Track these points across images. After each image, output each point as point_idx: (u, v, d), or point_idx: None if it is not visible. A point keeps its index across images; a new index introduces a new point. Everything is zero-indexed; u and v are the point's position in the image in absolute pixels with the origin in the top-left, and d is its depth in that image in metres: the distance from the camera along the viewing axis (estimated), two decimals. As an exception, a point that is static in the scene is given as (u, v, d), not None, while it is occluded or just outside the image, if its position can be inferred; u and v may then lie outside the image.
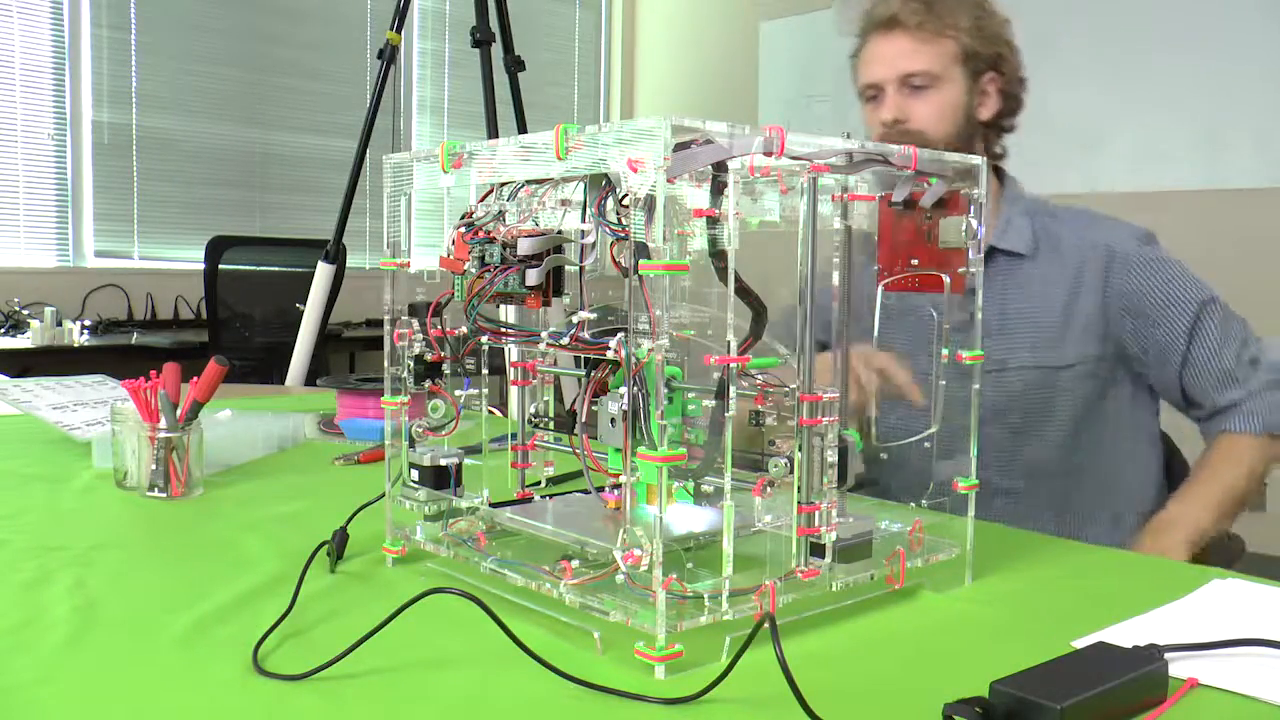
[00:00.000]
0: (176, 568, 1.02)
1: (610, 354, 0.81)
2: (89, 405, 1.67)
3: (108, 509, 1.24)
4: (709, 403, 0.85)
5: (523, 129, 3.30)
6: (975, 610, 0.90)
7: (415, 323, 0.98)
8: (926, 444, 0.98)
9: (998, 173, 1.58)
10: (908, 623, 0.87)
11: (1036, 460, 1.50)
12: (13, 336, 3.83)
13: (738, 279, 0.79)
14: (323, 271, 3.28)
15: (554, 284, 0.91)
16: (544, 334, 0.88)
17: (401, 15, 3.22)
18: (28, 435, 1.64)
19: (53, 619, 0.84)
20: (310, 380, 3.19)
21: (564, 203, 0.91)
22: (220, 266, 4.04)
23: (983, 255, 0.95)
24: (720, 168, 0.78)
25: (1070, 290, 1.49)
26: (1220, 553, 1.46)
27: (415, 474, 1.00)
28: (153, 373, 1.29)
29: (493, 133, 3.08)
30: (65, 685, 0.72)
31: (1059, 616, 0.89)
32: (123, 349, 3.80)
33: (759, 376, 0.87)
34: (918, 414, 1.01)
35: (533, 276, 0.90)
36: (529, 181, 0.91)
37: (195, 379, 1.32)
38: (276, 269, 4.21)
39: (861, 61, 1.55)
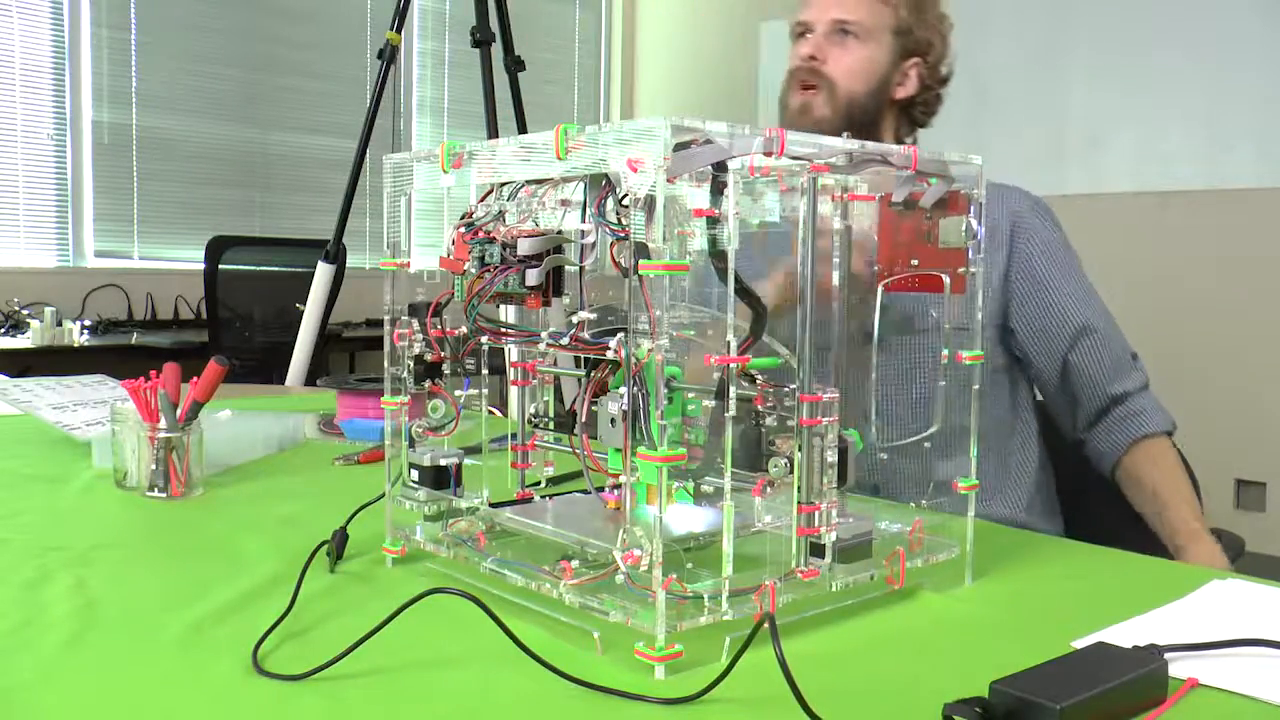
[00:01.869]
0: (176, 568, 1.02)
1: (610, 354, 0.81)
2: (89, 405, 1.67)
3: (108, 509, 1.24)
4: (709, 403, 0.85)
5: (523, 129, 3.30)
6: (975, 610, 0.90)
7: (415, 323, 0.98)
8: (926, 444, 0.98)
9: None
10: (908, 623, 0.87)
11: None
12: (13, 336, 3.83)
13: (738, 279, 0.79)
14: (323, 271, 3.28)
15: (554, 284, 0.91)
16: (544, 334, 0.88)
17: (401, 15, 3.22)
18: (28, 435, 1.64)
19: (53, 619, 0.84)
20: (310, 380, 3.19)
21: (564, 203, 0.91)
22: (220, 266, 4.04)
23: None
24: (720, 168, 0.78)
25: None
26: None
27: (415, 474, 1.00)
28: (153, 373, 1.29)
29: (493, 133, 3.08)
30: (65, 685, 0.72)
31: (1059, 616, 0.89)
32: (123, 349, 3.80)
33: (759, 377, 0.87)
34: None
35: (532, 276, 0.90)
36: (529, 181, 0.91)
37: (195, 379, 1.32)
38: (276, 269, 4.21)
39: (801, 0, 1.59)
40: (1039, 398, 1.60)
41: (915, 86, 1.55)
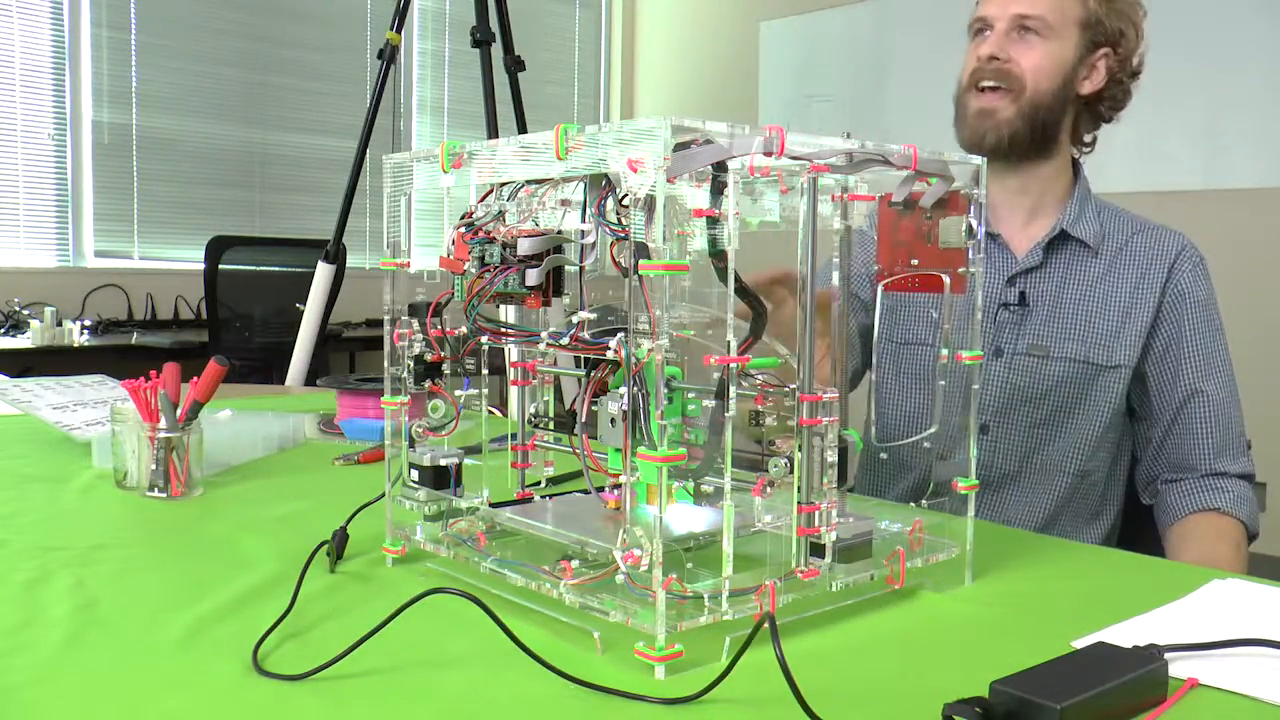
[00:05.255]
0: (176, 568, 1.02)
1: (610, 354, 0.81)
2: (89, 405, 1.67)
3: (108, 509, 1.24)
4: (709, 403, 0.85)
5: (523, 129, 3.30)
6: (975, 610, 0.90)
7: (415, 323, 0.98)
8: (926, 444, 0.98)
9: (1074, 165, 1.55)
10: (908, 623, 0.87)
11: (1052, 455, 1.48)
12: (13, 336, 3.83)
13: (738, 279, 0.79)
14: (323, 271, 3.28)
15: (554, 284, 0.91)
16: (544, 334, 0.88)
17: (401, 15, 3.22)
18: (28, 435, 1.64)
19: (53, 619, 0.84)
20: (310, 380, 3.19)
21: (564, 203, 0.91)
22: (220, 266, 4.04)
23: (1050, 236, 0.93)
24: (720, 168, 0.78)
25: (1132, 293, 1.47)
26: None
27: (415, 474, 1.00)
28: (153, 373, 1.29)
29: (493, 133, 3.08)
30: (65, 685, 0.72)
31: (1059, 616, 0.89)
32: (123, 349, 3.80)
33: (759, 376, 0.87)
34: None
35: (532, 276, 0.90)
36: (529, 181, 0.92)
37: (195, 379, 1.32)
38: (276, 269, 4.21)
39: None
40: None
41: (1102, 80, 1.48)
